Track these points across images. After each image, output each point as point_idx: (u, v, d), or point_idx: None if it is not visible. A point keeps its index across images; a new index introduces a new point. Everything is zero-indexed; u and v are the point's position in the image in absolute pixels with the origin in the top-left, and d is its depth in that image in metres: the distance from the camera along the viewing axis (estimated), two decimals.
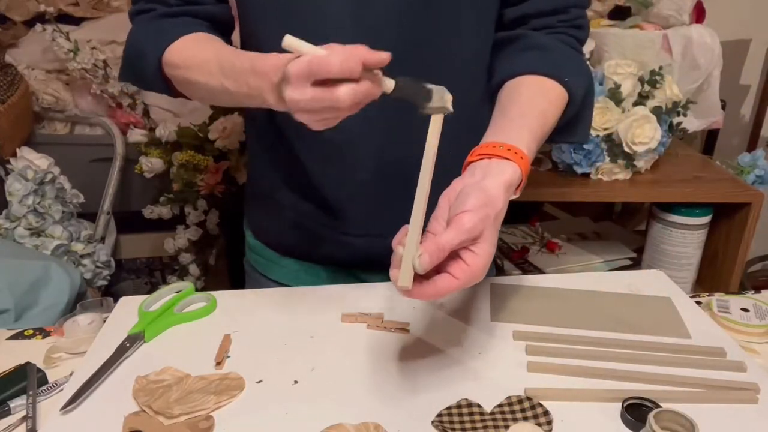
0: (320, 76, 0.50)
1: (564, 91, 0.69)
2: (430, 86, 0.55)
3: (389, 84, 0.53)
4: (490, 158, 0.57)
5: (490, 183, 0.54)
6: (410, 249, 0.49)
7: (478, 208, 0.51)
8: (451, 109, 0.56)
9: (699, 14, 1.42)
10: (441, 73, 0.71)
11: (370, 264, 0.81)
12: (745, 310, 0.74)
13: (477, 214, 0.50)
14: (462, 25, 0.71)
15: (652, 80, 1.27)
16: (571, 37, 0.74)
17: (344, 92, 0.50)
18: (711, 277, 1.43)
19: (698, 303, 0.76)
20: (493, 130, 0.62)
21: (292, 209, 0.80)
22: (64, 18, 1.52)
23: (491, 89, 0.73)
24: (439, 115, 0.56)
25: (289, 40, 0.51)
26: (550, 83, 0.68)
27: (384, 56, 0.51)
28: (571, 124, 0.73)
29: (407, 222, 0.79)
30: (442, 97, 0.55)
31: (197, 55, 0.66)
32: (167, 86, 0.71)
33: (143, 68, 0.70)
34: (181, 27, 0.69)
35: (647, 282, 0.79)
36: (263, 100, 0.57)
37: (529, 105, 0.66)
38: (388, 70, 0.65)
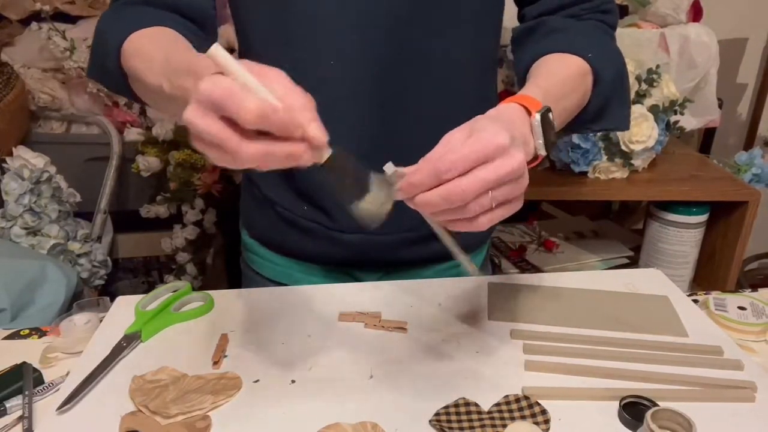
0: (230, 116, 0.39)
1: (588, 67, 0.66)
2: (373, 175, 0.43)
3: (324, 153, 0.42)
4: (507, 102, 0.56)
5: (494, 116, 0.52)
6: None
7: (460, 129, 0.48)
8: (382, 218, 0.45)
9: (696, 13, 1.42)
10: (434, 69, 0.70)
11: (364, 262, 0.81)
12: (742, 308, 0.74)
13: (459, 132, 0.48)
14: (458, 21, 0.70)
15: (649, 79, 1.27)
16: (600, 22, 0.73)
17: (252, 152, 0.40)
18: (708, 275, 1.43)
19: (695, 301, 0.76)
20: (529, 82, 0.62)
21: (285, 207, 0.80)
22: (60, 16, 1.52)
23: (518, 80, 0.72)
24: None
25: (216, 51, 0.40)
26: (572, 58, 0.66)
27: (324, 142, 0.42)
28: (606, 108, 0.70)
29: (400, 219, 0.78)
30: (379, 197, 0.44)
31: (150, 49, 0.57)
32: (126, 83, 0.63)
33: (105, 58, 0.62)
34: (149, 17, 0.62)
35: (644, 280, 0.79)
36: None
37: (547, 74, 0.63)
38: (381, 69, 0.63)
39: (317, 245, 0.80)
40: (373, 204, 0.43)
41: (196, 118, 0.40)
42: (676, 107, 1.29)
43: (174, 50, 0.54)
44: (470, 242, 0.86)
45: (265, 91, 0.39)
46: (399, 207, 0.76)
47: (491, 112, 0.54)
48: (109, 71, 0.63)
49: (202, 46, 0.52)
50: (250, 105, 0.38)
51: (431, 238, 0.79)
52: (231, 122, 0.40)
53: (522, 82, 0.69)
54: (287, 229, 0.81)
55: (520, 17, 0.76)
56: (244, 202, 0.90)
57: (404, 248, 0.79)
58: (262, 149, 0.40)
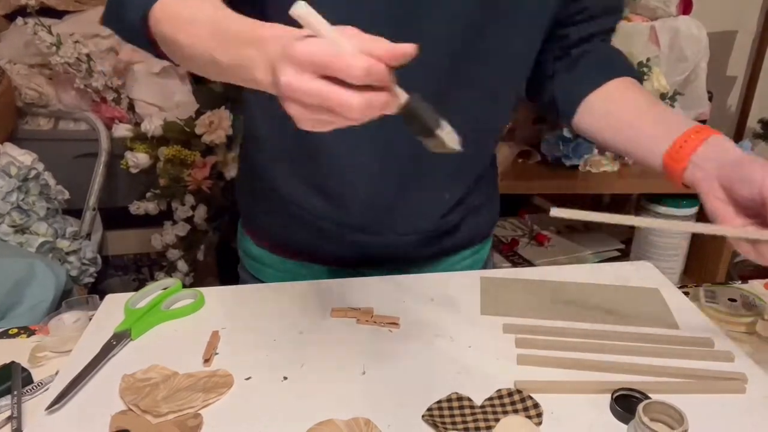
0: (334, 75, 0.40)
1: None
2: (439, 118, 0.45)
3: (402, 97, 0.44)
4: (707, 138, 0.60)
5: (742, 152, 0.57)
6: None
7: None
8: (457, 149, 0.47)
9: (686, 6, 1.43)
10: (476, 100, 0.71)
11: (375, 261, 0.80)
12: (732, 300, 0.74)
13: None
14: (510, 55, 0.70)
15: (639, 71, 1.27)
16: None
17: (358, 102, 0.40)
18: (698, 267, 1.45)
19: (686, 294, 0.76)
20: (670, 122, 0.65)
21: (301, 206, 0.77)
22: (46, 11, 1.50)
23: (577, 95, 0.74)
24: None
25: (301, 10, 0.40)
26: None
27: (410, 49, 0.41)
28: None
29: (415, 222, 0.78)
30: (450, 134, 0.46)
31: (187, 11, 0.55)
32: (149, 43, 0.61)
33: (125, 11, 0.61)
34: None
35: (635, 273, 0.79)
36: (252, 76, 0.47)
37: (660, 104, 0.71)
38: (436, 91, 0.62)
39: (330, 246, 0.79)
40: (445, 138, 0.46)
41: (299, 81, 0.41)
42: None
43: (220, 15, 0.53)
44: (475, 235, 0.87)
45: (353, 46, 0.40)
46: (414, 210, 0.76)
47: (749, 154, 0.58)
48: (128, 25, 0.61)
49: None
50: (360, 62, 0.39)
51: (443, 235, 0.81)
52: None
53: (572, 105, 0.74)
54: (300, 229, 0.79)
55: (560, 38, 0.75)
56: (250, 206, 0.85)
57: (417, 247, 0.80)
58: (365, 100, 0.41)
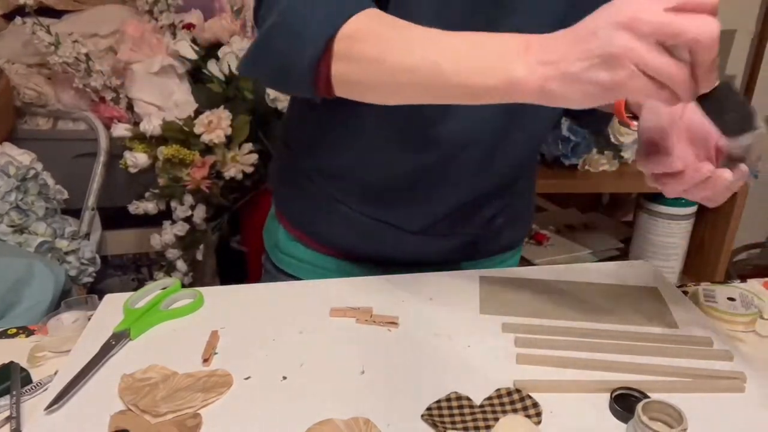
0: (687, 42, 0.38)
1: None
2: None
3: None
4: None
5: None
6: None
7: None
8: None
9: None
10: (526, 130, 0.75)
11: (411, 262, 0.80)
12: (731, 299, 0.74)
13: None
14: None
15: None
16: None
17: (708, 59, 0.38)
18: (697, 266, 1.45)
19: (685, 293, 0.76)
20: None
21: (353, 208, 0.78)
22: (44, 11, 1.50)
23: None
24: None
25: None
26: None
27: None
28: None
29: (471, 222, 0.81)
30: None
31: (393, 29, 0.52)
32: (316, 79, 0.54)
33: (293, 49, 0.54)
34: (350, 2, 0.54)
35: (635, 272, 0.79)
36: (504, 73, 0.44)
37: None
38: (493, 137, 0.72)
39: (374, 245, 0.80)
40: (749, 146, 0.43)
41: (644, 50, 0.38)
42: None
43: (436, 32, 0.50)
44: (513, 241, 0.89)
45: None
46: (462, 214, 0.78)
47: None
48: (292, 60, 0.55)
49: None
50: (714, 25, 0.37)
51: (485, 239, 0.83)
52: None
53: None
54: (346, 228, 0.79)
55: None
56: (296, 200, 0.83)
57: (464, 248, 0.81)
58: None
